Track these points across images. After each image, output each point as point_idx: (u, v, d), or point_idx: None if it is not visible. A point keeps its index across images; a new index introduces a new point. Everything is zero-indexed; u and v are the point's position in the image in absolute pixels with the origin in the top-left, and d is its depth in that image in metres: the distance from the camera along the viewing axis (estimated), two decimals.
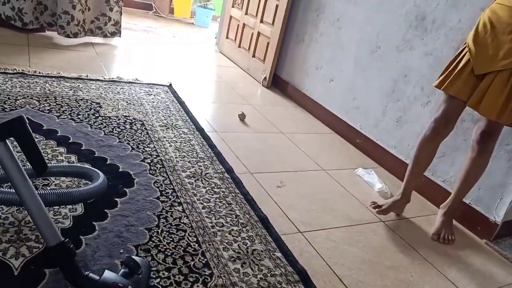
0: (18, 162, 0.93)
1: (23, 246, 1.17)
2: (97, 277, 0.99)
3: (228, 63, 3.87)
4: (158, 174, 1.72)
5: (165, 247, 1.31)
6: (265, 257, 1.37)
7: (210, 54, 4.10)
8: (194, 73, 3.33)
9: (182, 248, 1.32)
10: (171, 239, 1.35)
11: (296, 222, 1.63)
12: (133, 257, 1.09)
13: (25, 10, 3.01)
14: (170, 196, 1.58)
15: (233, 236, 1.44)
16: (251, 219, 1.56)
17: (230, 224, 1.50)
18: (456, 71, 1.54)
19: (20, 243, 1.18)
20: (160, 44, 3.96)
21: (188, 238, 1.38)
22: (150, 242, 1.31)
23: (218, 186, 1.73)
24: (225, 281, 1.23)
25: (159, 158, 1.84)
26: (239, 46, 3.79)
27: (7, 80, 2.19)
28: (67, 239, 0.98)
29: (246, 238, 1.45)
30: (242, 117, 2.55)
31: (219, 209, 1.58)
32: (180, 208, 1.53)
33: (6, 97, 2.02)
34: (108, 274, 1.01)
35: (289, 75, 3.25)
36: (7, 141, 0.92)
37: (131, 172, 1.68)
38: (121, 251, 1.25)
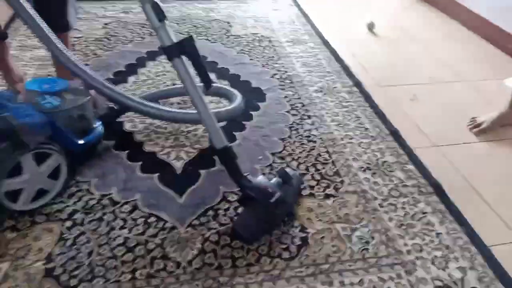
0: (192, 76, 1.06)
1: (181, 151, 1.39)
2: (252, 179, 1.13)
3: None
4: (287, 89, 1.78)
5: (297, 156, 1.41)
6: (396, 168, 1.38)
7: None
8: None
9: (314, 157, 1.40)
10: (303, 149, 1.44)
11: (431, 136, 1.56)
12: (286, 169, 1.20)
13: None
14: (299, 110, 1.65)
15: (362, 148, 1.47)
16: (381, 133, 1.55)
17: (360, 137, 1.52)
18: None
19: (178, 148, 1.40)
20: None
21: (318, 148, 1.45)
22: (284, 151, 1.42)
23: (347, 100, 1.73)
24: (356, 188, 1.29)
25: (287, 73, 1.90)
26: None
27: None
28: (230, 145, 1.12)
29: (376, 150, 1.46)
30: (370, 26, 2.40)
31: (347, 122, 1.60)
32: (309, 121, 1.59)
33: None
34: (261, 179, 1.15)
35: None
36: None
37: (263, 88, 1.78)
38: (259, 157, 1.39)
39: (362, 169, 1.37)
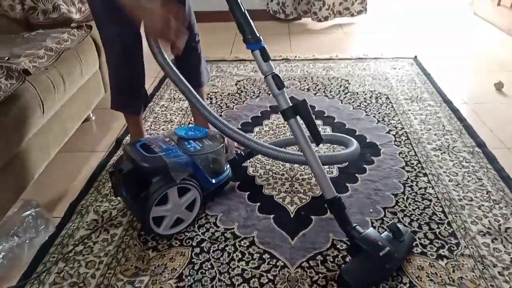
0: (304, 133, 1.21)
1: (295, 196, 1.52)
2: (362, 230, 1.17)
3: (484, 25, 3.45)
4: (403, 145, 1.81)
5: (410, 213, 1.41)
6: None
7: (462, 16, 3.74)
8: (443, 41, 3.15)
9: (428, 216, 1.39)
10: (416, 206, 1.44)
11: None
12: (398, 224, 1.22)
13: (287, 3, 3.55)
14: (415, 167, 1.65)
15: (483, 211, 1.40)
16: (506, 197, 1.46)
17: (480, 200, 1.46)
18: None
19: (293, 193, 1.53)
20: (408, 13, 3.89)
21: (433, 207, 1.43)
22: (396, 206, 1.44)
23: (468, 161, 1.68)
24: (473, 252, 1.23)
25: (403, 130, 1.92)
26: (499, 5, 3.31)
27: (275, 65, 2.70)
28: (339, 195, 1.21)
29: (499, 215, 1.38)
30: (499, 86, 2.29)
31: (467, 183, 1.54)
32: (425, 179, 1.58)
33: None
34: (371, 231, 1.17)
35: None
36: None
37: (377, 143, 1.83)
38: (370, 211, 1.43)
39: (482, 233, 1.31)
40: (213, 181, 1.42)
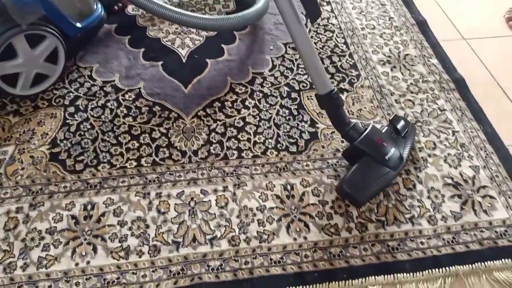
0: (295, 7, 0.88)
1: (187, 38, 1.30)
2: (362, 129, 0.95)
3: None
4: None
5: None
6: (418, 62, 1.27)
7: None
8: None
9: (330, 49, 1.30)
10: (319, 39, 1.33)
11: (461, 28, 1.41)
12: (400, 116, 1.04)
13: None
14: None
15: (384, 39, 1.34)
16: (407, 22, 1.41)
17: (383, 27, 1.39)
18: None
19: (183, 34, 1.30)
20: None
21: (336, 39, 1.33)
22: None
23: None
24: (372, 83, 1.20)
25: None
26: None
27: None
28: (335, 89, 0.93)
29: (399, 42, 1.34)
30: None
31: (371, 10, 1.45)
32: (328, 8, 1.44)
33: None
34: (373, 130, 0.96)
35: None
36: None
37: None
38: (271, 48, 1.29)
39: (382, 62, 1.27)
40: (79, 25, 1.12)
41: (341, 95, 1.04)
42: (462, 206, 0.95)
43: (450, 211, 0.94)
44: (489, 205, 0.95)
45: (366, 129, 0.95)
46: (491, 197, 0.97)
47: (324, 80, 0.93)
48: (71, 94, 1.11)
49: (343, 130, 0.96)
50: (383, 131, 1.00)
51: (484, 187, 0.98)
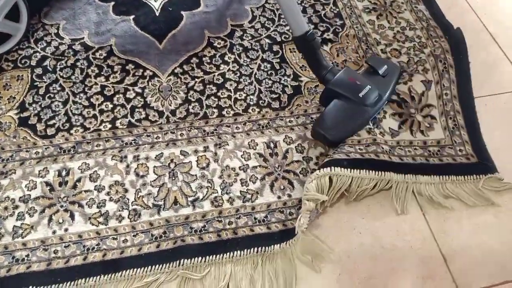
0: None
1: None
2: (338, 71, 0.94)
3: None
4: None
5: None
6: (405, 9, 1.21)
7: None
8: None
9: None
10: None
11: None
12: (378, 56, 1.01)
13: None
14: None
15: None
16: None
17: None
18: None
19: None
20: None
21: None
22: None
23: None
24: (357, 32, 1.15)
25: None
26: None
27: None
28: (311, 30, 0.90)
29: None
30: None
31: None
32: None
33: None
34: (346, 70, 0.95)
35: None
36: None
37: None
38: None
39: (367, 10, 1.20)
40: None
41: (318, 37, 1.00)
42: (400, 125, 0.96)
43: (389, 127, 0.95)
44: (428, 125, 0.96)
45: (340, 71, 0.94)
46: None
47: (299, 21, 0.89)
48: (37, 54, 1.04)
49: (320, 74, 0.94)
50: (358, 72, 0.97)
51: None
